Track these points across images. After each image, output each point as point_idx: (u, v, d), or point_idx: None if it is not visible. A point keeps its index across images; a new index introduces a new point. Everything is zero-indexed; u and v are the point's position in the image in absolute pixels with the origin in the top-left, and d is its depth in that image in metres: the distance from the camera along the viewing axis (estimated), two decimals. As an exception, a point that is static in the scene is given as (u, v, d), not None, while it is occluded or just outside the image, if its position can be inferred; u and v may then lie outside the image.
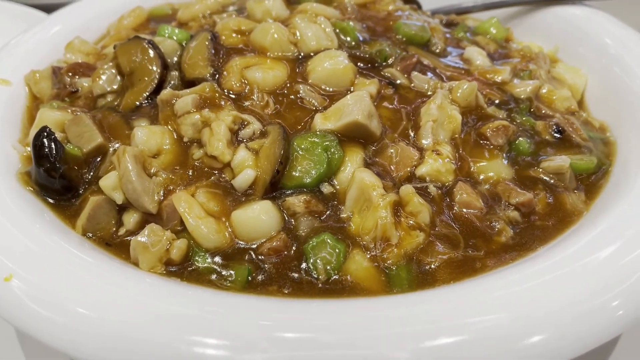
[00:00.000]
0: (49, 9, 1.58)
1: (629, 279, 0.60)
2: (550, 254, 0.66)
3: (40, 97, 0.97)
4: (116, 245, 0.72)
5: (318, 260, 0.66)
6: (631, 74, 0.99)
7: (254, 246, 0.68)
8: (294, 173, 0.73)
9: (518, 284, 0.60)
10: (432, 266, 0.67)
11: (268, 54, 0.89)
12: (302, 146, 0.75)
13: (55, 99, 0.94)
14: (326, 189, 0.73)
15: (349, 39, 0.95)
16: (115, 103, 0.88)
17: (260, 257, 0.68)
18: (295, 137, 0.76)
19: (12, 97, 0.95)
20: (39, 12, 1.59)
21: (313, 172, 0.73)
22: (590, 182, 0.81)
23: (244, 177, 0.73)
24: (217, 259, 0.68)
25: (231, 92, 0.83)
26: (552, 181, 0.79)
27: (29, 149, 0.84)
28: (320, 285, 0.65)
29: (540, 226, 0.73)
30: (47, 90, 0.96)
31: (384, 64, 0.90)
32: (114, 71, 0.92)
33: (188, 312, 0.56)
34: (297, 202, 0.71)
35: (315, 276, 0.65)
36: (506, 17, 1.26)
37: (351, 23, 0.96)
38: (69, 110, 0.87)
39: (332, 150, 0.74)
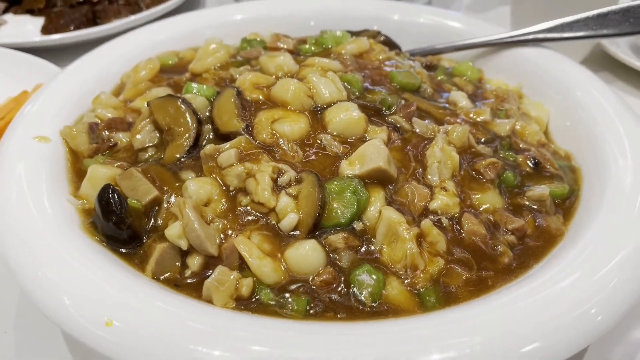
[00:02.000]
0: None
1: (604, 290, 0.76)
2: (542, 271, 0.82)
3: (78, 151, 1.06)
4: (184, 286, 0.83)
5: (364, 288, 0.80)
6: (584, 107, 1.18)
7: (308, 279, 0.82)
8: (330, 214, 0.87)
9: (522, 299, 0.76)
10: (454, 287, 0.82)
11: (289, 107, 1.03)
12: (334, 190, 0.89)
13: (95, 153, 1.04)
14: (358, 225, 0.88)
15: (354, 89, 1.09)
16: (158, 156, 1.00)
17: (314, 288, 0.81)
18: (327, 182, 0.90)
19: (54, 153, 1.03)
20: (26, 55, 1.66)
21: (347, 212, 0.87)
22: (565, 206, 0.99)
23: (289, 221, 0.86)
24: (278, 292, 0.81)
25: (263, 143, 0.96)
26: (535, 207, 0.96)
27: (83, 202, 0.94)
28: (368, 309, 0.79)
29: (532, 247, 0.90)
30: (84, 145, 1.05)
31: (387, 112, 1.05)
32: (149, 127, 1.03)
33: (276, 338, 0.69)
34: (337, 239, 0.85)
35: (364, 300, 0.79)
36: (474, 57, 1.44)
37: (356, 75, 1.11)
38: (116, 165, 0.98)
39: (360, 192, 0.88)
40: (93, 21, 1.96)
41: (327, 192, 0.88)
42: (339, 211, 0.87)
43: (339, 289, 0.81)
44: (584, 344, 0.71)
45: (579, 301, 0.74)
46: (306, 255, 0.82)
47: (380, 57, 1.24)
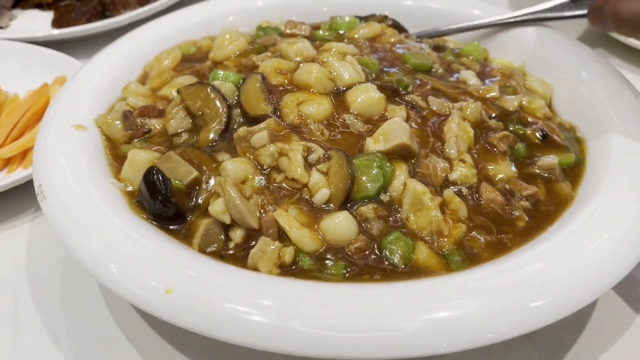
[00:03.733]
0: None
1: (612, 245, 0.83)
2: (557, 232, 0.90)
3: (114, 138, 1.12)
4: (227, 257, 0.90)
5: (396, 252, 0.87)
6: (585, 81, 1.26)
7: (343, 247, 0.89)
8: (359, 187, 0.94)
9: (540, 257, 0.84)
10: (476, 249, 0.90)
11: (312, 90, 1.09)
12: (361, 165, 0.96)
13: (130, 139, 1.10)
14: (384, 197, 0.95)
15: (371, 70, 1.16)
16: (193, 140, 1.06)
17: (349, 254, 0.88)
18: (354, 158, 0.97)
19: (90, 141, 1.09)
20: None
21: (374, 185, 0.94)
22: (573, 173, 1.07)
23: (322, 195, 0.93)
24: (317, 259, 0.88)
25: (292, 124, 1.03)
26: (546, 175, 1.04)
27: (126, 184, 1.01)
28: (400, 270, 0.87)
29: (545, 211, 0.98)
30: (119, 132, 1.12)
31: (404, 91, 1.12)
32: (182, 113, 1.09)
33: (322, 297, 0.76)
34: (367, 210, 0.92)
35: (396, 264, 0.87)
36: (477, 38, 1.51)
37: (372, 57, 1.17)
38: (153, 149, 1.04)
39: (385, 166, 0.96)
40: (102, 14, 2.00)
41: (355, 167, 0.95)
42: (367, 184, 0.94)
43: (373, 254, 0.89)
44: (597, 294, 0.79)
45: (592, 257, 0.81)
46: (340, 225, 0.89)
47: (392, 40, 1.31)
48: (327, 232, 0.90)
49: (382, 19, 1.51)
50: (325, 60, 1.14)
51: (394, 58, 1.23)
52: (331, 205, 0.93)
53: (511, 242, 0.91)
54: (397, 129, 0.98)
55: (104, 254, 0.83)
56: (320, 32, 1.37)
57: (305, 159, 0.97)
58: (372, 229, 0.91)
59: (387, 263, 0.88)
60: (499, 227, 0.93)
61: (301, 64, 1.13)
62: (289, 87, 1.11)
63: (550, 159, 1.05)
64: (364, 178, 0.95)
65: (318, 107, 1.05)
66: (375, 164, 0.95)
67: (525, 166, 1.06)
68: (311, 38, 1.34)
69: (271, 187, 0.96)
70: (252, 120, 1.05)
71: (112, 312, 1.04)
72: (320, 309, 0.75)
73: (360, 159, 0.97)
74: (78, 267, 1.07)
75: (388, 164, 0.96)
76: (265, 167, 0.98)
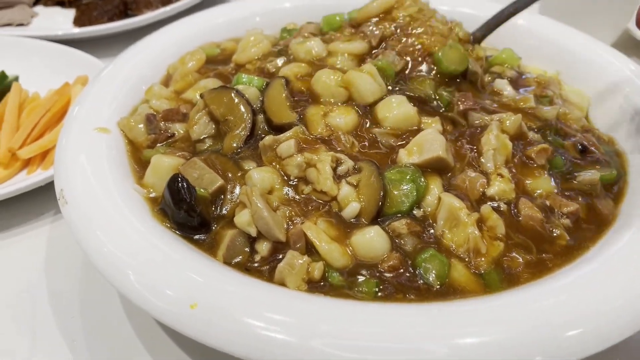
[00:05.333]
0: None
1: None
2: (600, 253, 0.86)
3: (136, 142, 1.09)
4: (253, 270, 0.87)
5: (431, 271, 0.83)
6: (623, 92, 1.21)
7: (375, 264, 0.85)
8: (391, 202, 0.90)
9: (583, 278, 0.79)
10: (515, 269, 0.85)
11: (329, 99, 1.05)
12: (393, 178, 0.92)
13: (153, 143, 1.07)
14: (418, 212, 0.91)
15: (388, 74, 1.10)
16: (217, 146, 1.02)
17: (381, 271, 0.84)
18: (385, 171, 0.93)
19: (113, 144, 1.06)
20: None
21: (407, 200, 0.90)
22: (614, 190, 1.02)
23: (352, 209, 0.89)
24: (347, 275, 0.84)
25: (319, 135, 0.99)
26: (586, 191, 0.99)
27: (149, 191, 0.98)
28: (435, 289, 0.82)
29: (586, 229, 0.93)
30: (142, 136, 1.09)
31: (443, 109, 1.06)
32: (205, 118, 1.06)
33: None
34: (400, 225, 0.88)
35: (431, 283, 0.83)
36: (508, 45, 1.45)
37: (389, 57, 1.11)
38: (177, 155, 1.01)
39: (418, 180, 0.91)
40: (124, 13, 1.98)
41: (386, 180, 0.91)
42: (399, 199, 0.90)
43: (406, 273, 0.84)
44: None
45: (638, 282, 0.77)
46: (372, 240, 0.85)
47: (411, 13, 1.21)
48: (358, 248, 0.86)
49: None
50: (337, 64, 1.10)
51: (419, 53, 1.15)
52: (362, 219, 0.89)
53: (552, 263, 0.86)
54: (432, 141, 0.94)
55: (127, 263, 0.80)
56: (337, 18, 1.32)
57: (334, 170, 0.93)
58: (406, 245, 0.87)
59: (421, 282, 0.83)
60: (538, 246, 0.89)
61: (315, 73, 1.08)
62: (308, 97, 1.07)
63: (590, 174, 1.00)
64: (395, 192, 0.90)
65: (345, 118, 1.01)
66: (408, 177, 0.91)
67: (564, 181, 1.01)
68: (321, 33, 1.29)
69: (299, 198, 0.92)
70: (276, 128, 1.01)
71: (130, 321, 1.01)
72: (345, 329, 0.71)
73: (392, 171, 0.93)
74: (97, 273, 1.05)
75: (422, 178, 0.92)
76: (292, 177, 0.94)
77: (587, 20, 1.64)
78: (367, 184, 0.90)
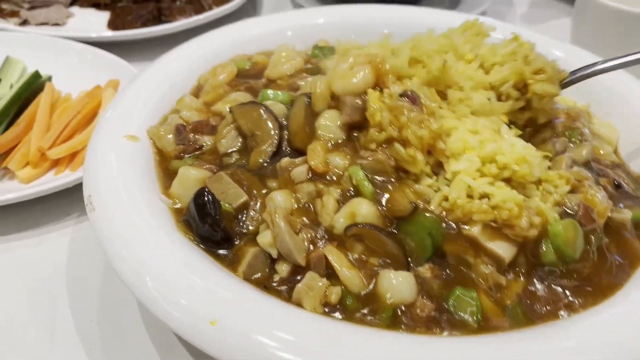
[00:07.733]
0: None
1: None
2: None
3: (164, 151, 1.10)
4: (271, 288, 0.87)
5: (465, 310, 0.84)
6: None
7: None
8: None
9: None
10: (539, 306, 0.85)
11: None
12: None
13: (181, 154, 1.08)
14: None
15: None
16: (243, 161, 1.03)
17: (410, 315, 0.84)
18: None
19: (141, 152, 1.08)
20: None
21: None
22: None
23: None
24: (365, 301, 0.84)
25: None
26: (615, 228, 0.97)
27: (175, 201, 0.99)
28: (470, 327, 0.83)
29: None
30: (170, 146, 1.10)
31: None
32: (233, 132, 1.07)
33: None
34: (424, 270, 0.88)
35: (466, 320, 0.83)
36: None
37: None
38: (204, 167, 1.02)
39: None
40: (158, 18, 2.01)
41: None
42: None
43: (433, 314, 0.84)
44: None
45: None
46: (399, 285, 0.85)
47: None
48: (386, 290, 0.85)
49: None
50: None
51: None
52: None
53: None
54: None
55: (150, 273, 0.81)
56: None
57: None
58: (432, 287, 0.87)
59: (456, 318, 0.84)
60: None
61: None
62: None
63: (623, 215, 0.98)
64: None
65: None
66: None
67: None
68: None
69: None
70: (297, 150, 1.02)
71: (148, 330, 1.02)
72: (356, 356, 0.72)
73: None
74: (117, 278, 1.06)
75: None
76: (302, 202, 0.94)
77: (619, 53, 1.62)
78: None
